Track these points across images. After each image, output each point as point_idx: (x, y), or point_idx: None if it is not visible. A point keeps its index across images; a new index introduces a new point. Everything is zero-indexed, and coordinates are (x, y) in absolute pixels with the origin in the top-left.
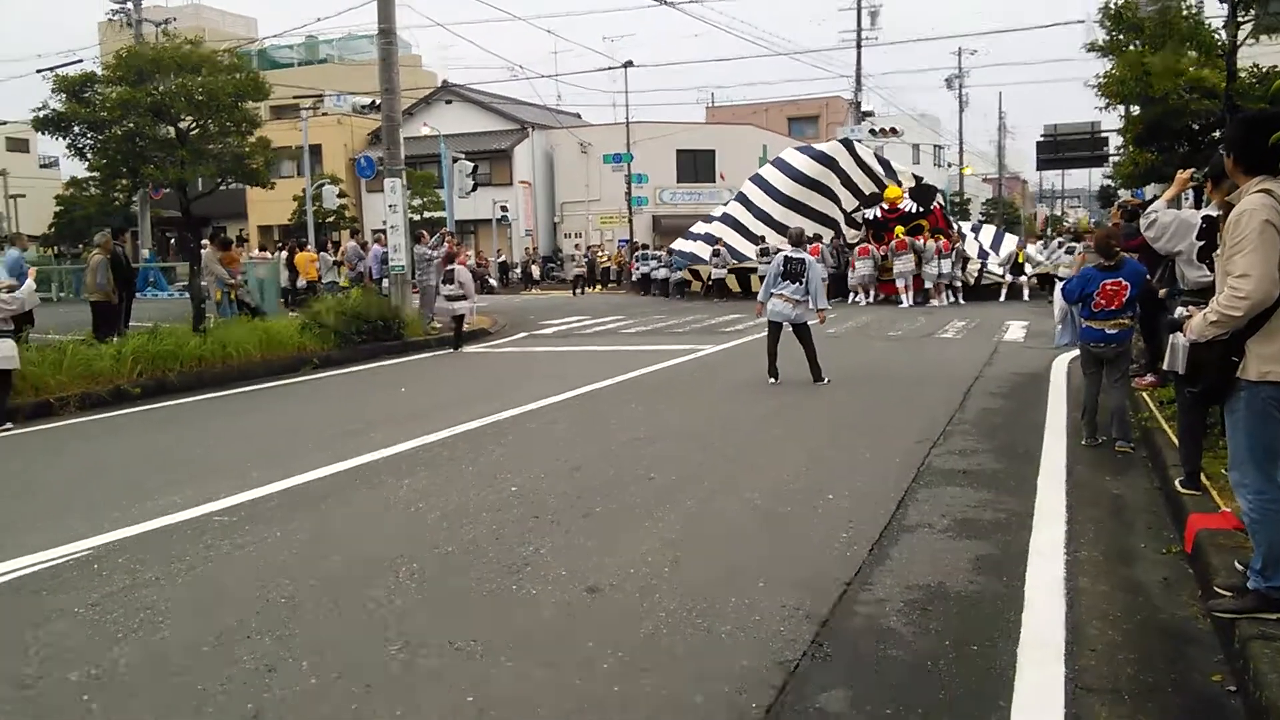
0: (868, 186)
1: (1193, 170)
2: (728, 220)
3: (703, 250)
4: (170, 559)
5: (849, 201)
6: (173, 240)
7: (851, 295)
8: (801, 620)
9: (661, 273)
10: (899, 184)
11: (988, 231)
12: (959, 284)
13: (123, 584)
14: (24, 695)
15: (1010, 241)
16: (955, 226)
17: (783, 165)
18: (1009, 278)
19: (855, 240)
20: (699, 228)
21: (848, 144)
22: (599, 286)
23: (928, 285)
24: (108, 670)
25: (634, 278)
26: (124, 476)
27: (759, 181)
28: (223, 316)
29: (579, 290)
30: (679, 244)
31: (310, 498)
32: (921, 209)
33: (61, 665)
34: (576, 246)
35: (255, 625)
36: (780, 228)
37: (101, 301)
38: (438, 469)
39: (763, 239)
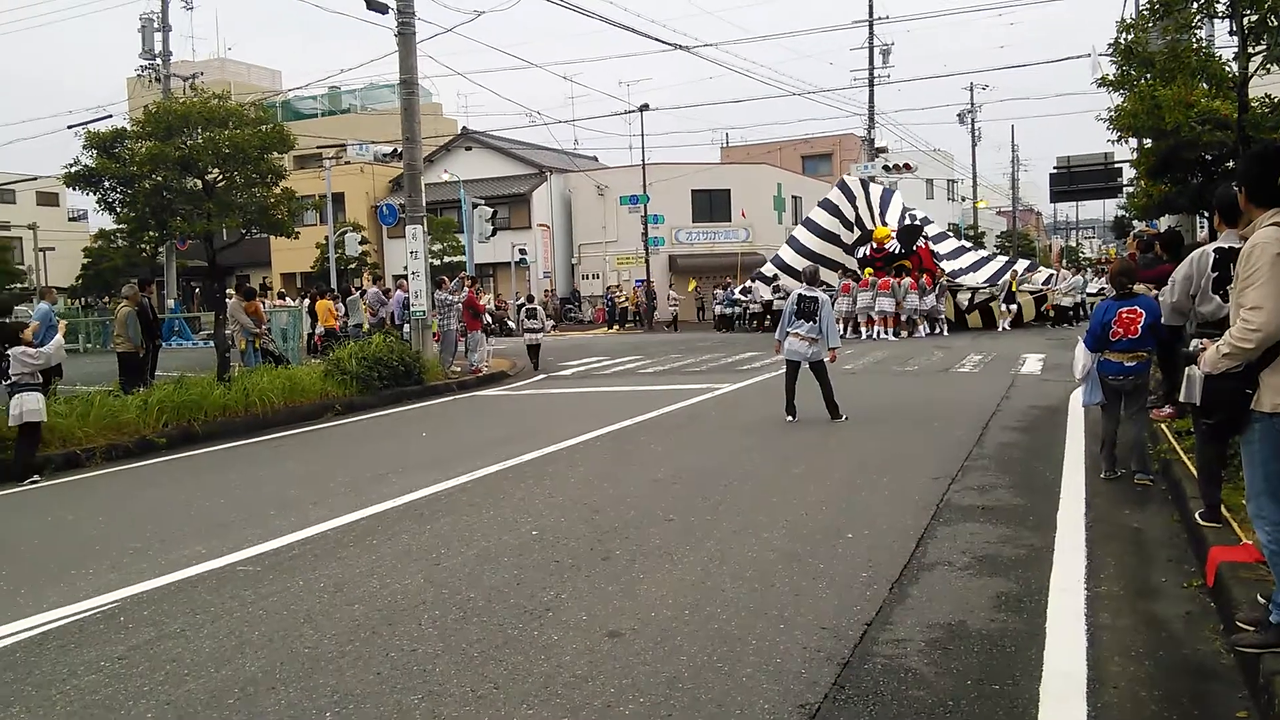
0: (869, 222)
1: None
2: (777, 262)
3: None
4: (195, 610)
5: (849, 237)
6: (198, 290)
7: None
8: (823, 662)
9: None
10: (886, 224)
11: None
12: (942, 315)
13: (148, 636)
14: None
15: (993, 265)
16: (940, 263)
17: (823, 202)
18: (1005, 307)
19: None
20: (767, 269)
21: (863, 182)
22: (617, 327)
23: (903, 318)
24: None
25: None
26: (149, 528)
27: (805, 221)
28: (247, 365)
29: (664, 328)
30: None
31: (333, 546)
32: (904, 250)
33: None
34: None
35: (280, 676)
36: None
37: (128, 352)
38: (459, 514)
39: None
